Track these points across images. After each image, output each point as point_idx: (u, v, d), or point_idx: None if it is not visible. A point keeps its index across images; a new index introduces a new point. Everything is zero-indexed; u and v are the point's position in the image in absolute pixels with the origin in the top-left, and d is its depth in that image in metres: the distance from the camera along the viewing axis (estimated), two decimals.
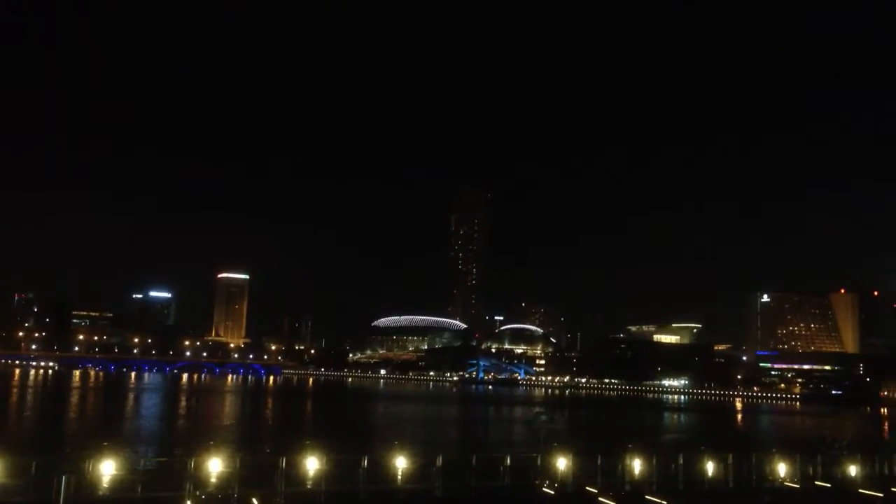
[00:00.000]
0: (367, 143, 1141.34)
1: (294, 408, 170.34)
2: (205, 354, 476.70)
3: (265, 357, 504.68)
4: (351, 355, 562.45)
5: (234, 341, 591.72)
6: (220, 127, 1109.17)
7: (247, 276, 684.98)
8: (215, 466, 41.35)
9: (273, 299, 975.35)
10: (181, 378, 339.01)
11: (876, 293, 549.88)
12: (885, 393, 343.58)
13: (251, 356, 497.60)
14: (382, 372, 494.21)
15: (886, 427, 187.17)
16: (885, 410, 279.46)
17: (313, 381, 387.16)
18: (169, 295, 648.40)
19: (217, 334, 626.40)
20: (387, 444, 59.20)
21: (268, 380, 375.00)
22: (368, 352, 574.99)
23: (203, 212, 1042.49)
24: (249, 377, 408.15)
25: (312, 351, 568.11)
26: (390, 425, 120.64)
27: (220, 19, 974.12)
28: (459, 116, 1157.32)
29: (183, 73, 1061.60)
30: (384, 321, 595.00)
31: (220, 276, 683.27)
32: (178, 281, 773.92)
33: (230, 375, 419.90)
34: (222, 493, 40.07)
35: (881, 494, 45.48)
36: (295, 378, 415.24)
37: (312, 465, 42.50)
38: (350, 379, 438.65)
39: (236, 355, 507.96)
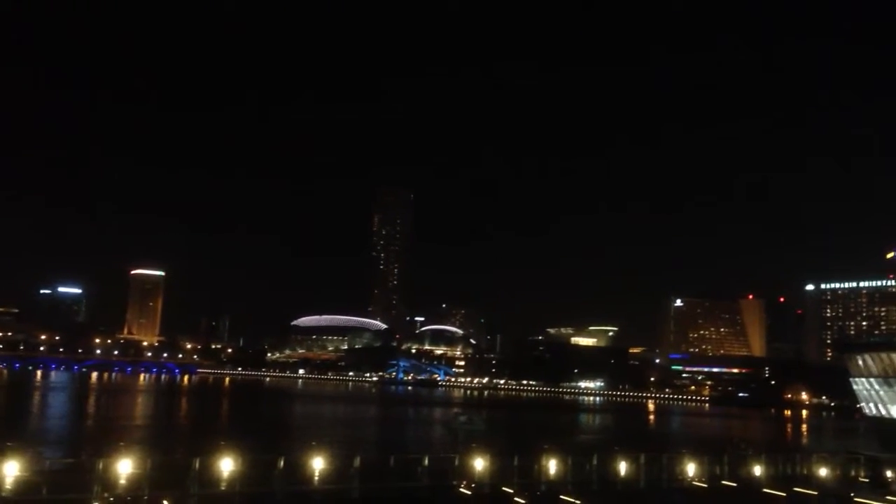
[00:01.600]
0: (288, 140, 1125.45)
1: (209, 408, 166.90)
2: (116, 353, 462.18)
3: (180, 356, 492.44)
4: (269, 355, 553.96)
5: (148, 340, 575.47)
6: (138, 126, 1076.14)
7: (162, 273, 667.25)
8: (125, 467, 40.18)
9: (190, 298, 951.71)
10: (90, 377, 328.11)
11: (782, 299, 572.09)
12: (789, 395, 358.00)
13: (165, 355, 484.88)
14: (301, 372, 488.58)
15: (789, 428, 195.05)
16: (789, 412, 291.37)
17: (230, 380, 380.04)
18: (79, 290, 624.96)
19: (130, 332, 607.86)
20: (304, 444, 58.61)
21: (182, 379, 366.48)
22: (287, 351, 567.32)
23: (121, 213, 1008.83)
24: (163, 376, 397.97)
25: (230, 350, 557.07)
26: (308, 426, 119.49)
27: (119, 13, 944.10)
28: (384, 113, 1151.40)
29: (90, 66, 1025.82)
30: (304, 321, 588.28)
31: (134, 272, 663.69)
32: (91, 277, 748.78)
33: (143, 374, 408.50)
34: (132, 494, 38.98)
35: (784, 493, 47.31)
36: (211, 377, 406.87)
37: (227, 466, 41.72)
38: (268, 379, 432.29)
39: (150, 354, 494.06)
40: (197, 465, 40.27)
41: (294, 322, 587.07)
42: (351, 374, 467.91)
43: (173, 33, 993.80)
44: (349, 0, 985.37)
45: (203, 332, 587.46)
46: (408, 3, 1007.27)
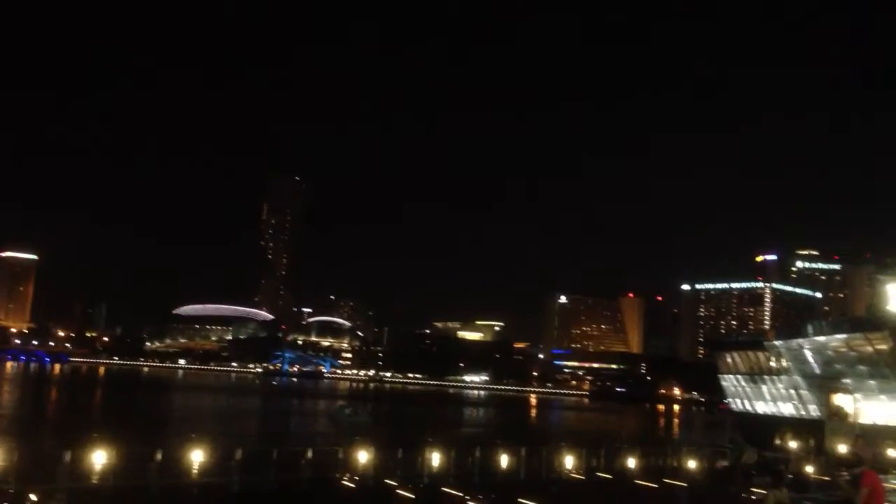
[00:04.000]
0: (174, 124, 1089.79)
1: (80, 398, 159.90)
2: None
3: (51, 344, 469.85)
4: (149, 344, 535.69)
5: (17, 326, 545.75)
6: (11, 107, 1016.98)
7: (34, 257, 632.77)
8: None
9: (66, 283, 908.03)
10: None
11: (659, 297, 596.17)
12: (663, 391, 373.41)
13: (35, 342, 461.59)
14: (182, 362, 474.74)
15: (662, 422, 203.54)
16: (662, 407, 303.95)
17: (105, 370, 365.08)
18: None
19: None
20: (182, 436, 57.05)
21: (52, 368, 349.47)
22: (168, 341, 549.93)
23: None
24: (31, 365, 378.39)
25: (106, 338, 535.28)
26: (187, 418, 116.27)
27: None
28: (276, 95, 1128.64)
29: None
30: (187, 309, 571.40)
31: (2, 254, 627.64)
32: None
33: (9, 363, 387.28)
34: None
35: (656, 485, 49.24)
36: (84, 366, 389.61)
37: (99, 458, 40.14)
38: (146, 369, 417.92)
39: (18, 341, 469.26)
40: (68, 457, 38.57)
41: (176, 311, 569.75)
42: (234, 364, 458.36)
43: (46, 10, 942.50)
44: None
45: (77, 319, 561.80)
46: None
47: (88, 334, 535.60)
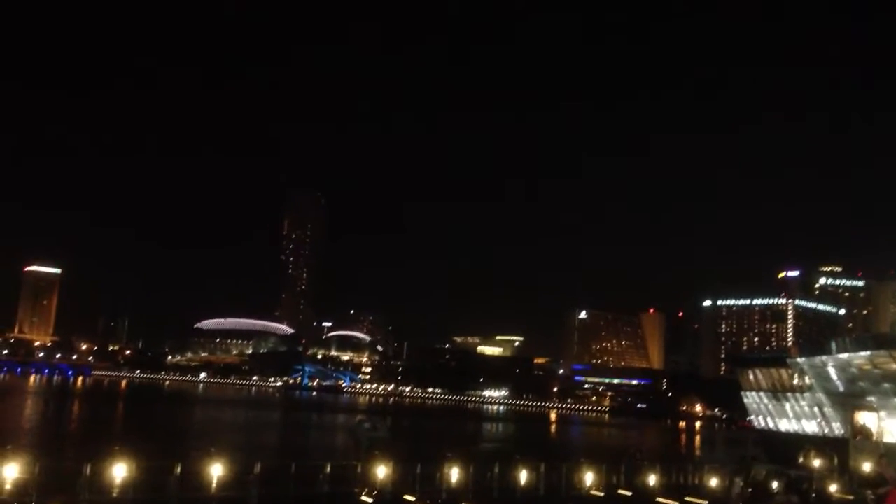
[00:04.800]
0: (197, 137, 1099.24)
1: (102, 411, 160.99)
2: (6, 352, 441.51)
3: (74, 357, 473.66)
4: (170, 357, 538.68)
5: (41, 339, 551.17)
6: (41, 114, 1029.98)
7: (58, 271, 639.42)
8: (11, 472, 38.40)
9: (89, 297, 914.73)
10: None
11: (681, 314, 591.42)
12: (684, 407, 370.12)
13: (59, 356, 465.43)
14: (203, 376, 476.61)
15: (683, 439, 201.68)
16: (683, 424, 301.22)
17: (126, 383, 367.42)
18: None
19: (21, 331, 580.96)
20: (202, 450, 57.25)
21: (75, 381, 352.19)
22: (189, 354, 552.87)
23: (12, 203, 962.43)
24: (55, 378, 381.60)
25: (128, 352, 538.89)
26: (207, 431, 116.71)
27: None
28: (278, 96, 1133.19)
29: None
30: (208, 323, 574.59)
31: (27, 268, 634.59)
32: None
33: (33, 375, 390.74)
34: (19, 500, 37.26)
35: (677, 502, 48.81)
36: (106, 380, 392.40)
37: (120, 472, 40.35)
38: (167, 382, 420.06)
39: (42, 354, 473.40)
40: (88, 470, 38.82)
41: (197, 325, 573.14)
42: (255, 378, 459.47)
43: (46, 11, 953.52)
44: None
45: (100, 333, 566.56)
46: None
47: (111, 348, 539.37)
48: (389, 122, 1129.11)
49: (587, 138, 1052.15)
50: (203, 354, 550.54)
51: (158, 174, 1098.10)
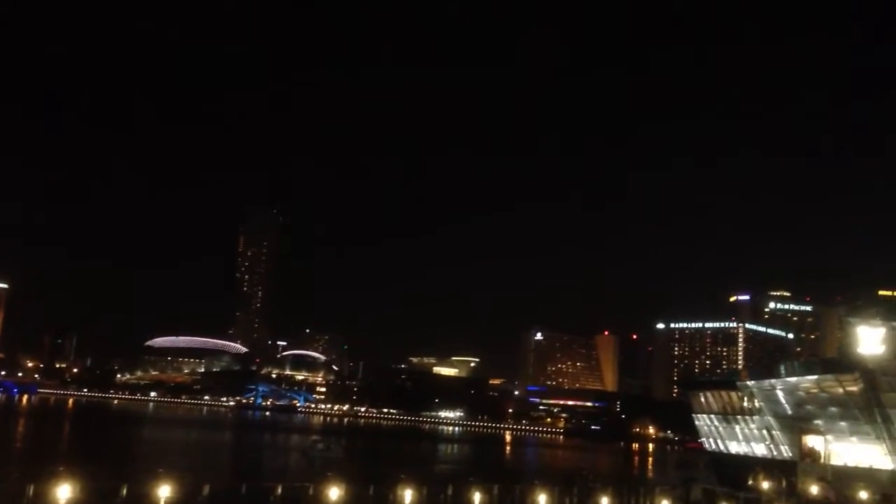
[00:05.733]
0: (149, 153, 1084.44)
1: (48, 430, 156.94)
2: None
3: (20, 374, 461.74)
4: (119, 376, 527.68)
5: None
6: None
7: (5, 286, 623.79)
8: None
9: (37, 314, 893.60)
10: None
11: (635, 336, 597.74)
12: (637, 429, 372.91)
13: (3, 373, 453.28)
14: (153, 395, 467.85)
15: (635, 461, 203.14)
16: (636, 446, 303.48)
17: (74, 402, 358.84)
18: None
19: None
20: (150, 471, 56.14)
21: (20, 399, 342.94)
22: (139, 373, 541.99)
23: None
24: None
25: (76, 370, 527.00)
26: (156, 452, 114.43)
27: None
28: (252, 129, 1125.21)
29: None
30: (159, 341, 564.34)
31: None
32: None
33: None
34: None
35: None
36: (52, 398, 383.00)
37: (64, 493, 39.40)
38: (116, 401, 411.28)
39: None
40: (31, 491, 37.85)
41: (148, 342, 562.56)
42: (206, 398, 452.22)
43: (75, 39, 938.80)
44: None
45: (47, 351, 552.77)
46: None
47: (58, 365, 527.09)
48: (352, 145, 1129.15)
49: (546, 167, 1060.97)
50: (154, 373, 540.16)
51: (112, 191, 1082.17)
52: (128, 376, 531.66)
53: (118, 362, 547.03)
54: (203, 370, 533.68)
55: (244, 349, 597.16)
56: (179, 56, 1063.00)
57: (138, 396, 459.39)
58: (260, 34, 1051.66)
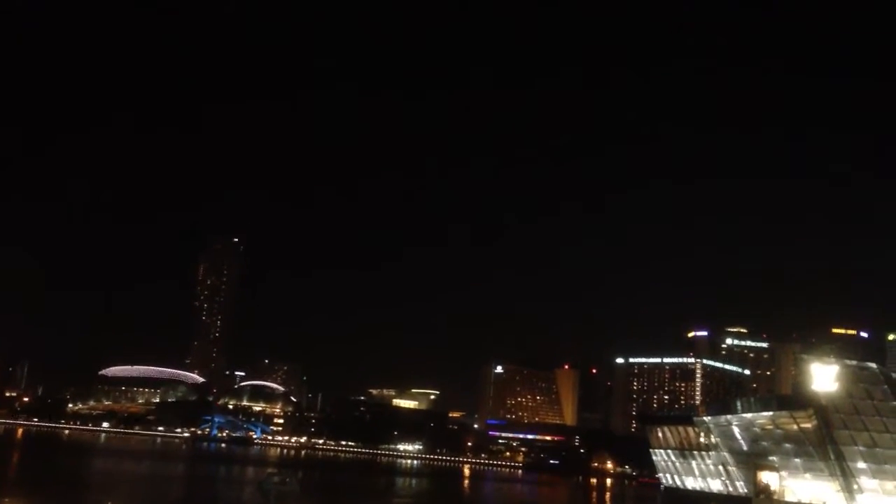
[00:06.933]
0: (109, 174, 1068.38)
1: None
2: None
3: None
4: (71, 405, 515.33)
5: None
6: None
7: None
8: None
9: None
10: None
11: (594, 370, 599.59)
12: (596, 464, 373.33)
13: None
14: (105, 425, 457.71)
15: (594, 496, 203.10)
16: (594, 480, 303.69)
17: (23, 431, 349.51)
18: None
19: None
20: (99, 503, 54.80)
21: None
22: (92, 402, 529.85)
23: None
24: None
25: (26, 398, 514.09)
26: (106, 483, 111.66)
27: None
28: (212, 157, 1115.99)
29: None
30: (114, 370, 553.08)
31: None
32: None
33: None
34: None
35: None
36: (1, 428, 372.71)
37: None
38: (67, 431, 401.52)
39: None
40: None
41: (102, 371, 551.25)
42: (161, 429, 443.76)
43: None
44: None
45: None
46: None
47: (8, 394, 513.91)
48: (307, 173, 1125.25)
49: (500, 198, 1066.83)
50: (107, 403, 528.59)
51: (71, 215, 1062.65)
52: (80, 406, 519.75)
53: (71, 391, 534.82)
54: (158, 400, 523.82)
55: (201, 379, 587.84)
56: (142, 76, 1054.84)
57: (90, 426, 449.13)
58: (210, 64, 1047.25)
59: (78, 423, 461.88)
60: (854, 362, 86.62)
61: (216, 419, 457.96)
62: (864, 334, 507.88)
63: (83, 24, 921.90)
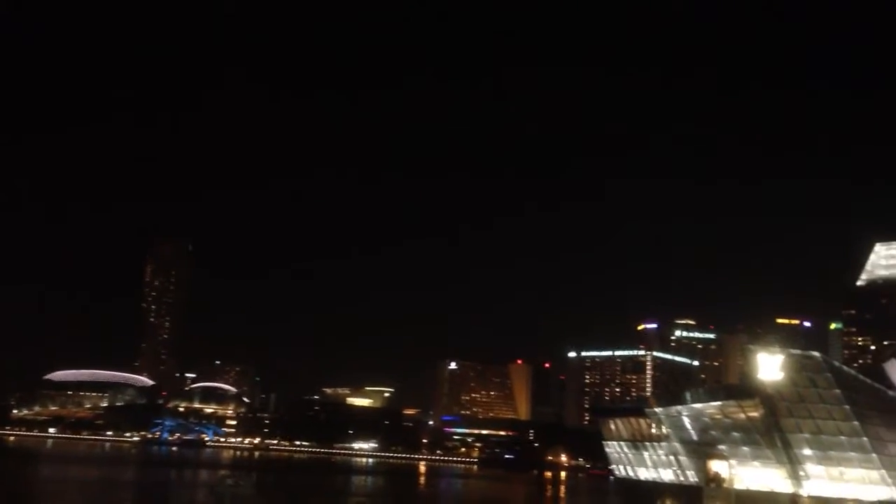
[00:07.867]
0: (57, 181, 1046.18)
1: None
2: None
3: None
4: (16, 411, 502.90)
5: None
6: None
7: None
8: None
9: None
10: None
11: (547, 365, 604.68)
12: (550, 457, 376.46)
13: None
14: (52, 431, 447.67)
15: (549, 490, 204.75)
16: (549, 474, 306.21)
17: None
18: None
19: None
20: None
21: None
22: (37, 408, 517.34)
23: None
24: None
25: None
26: (52, 492, 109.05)
27: None
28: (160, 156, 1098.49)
29: None
30: (60, 374, 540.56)
31: None
32: None
33: None
34: None
35: None
36: None
37: None
38: (11, 438, 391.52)
39: None
40: None
41: (48, 376, 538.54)
42: (109, 433, 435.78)
43: None
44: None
45: None
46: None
47: None
48: (260, 169, 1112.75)
49: (455, 201, 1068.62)
50: (53, 408, 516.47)
51: (14, 218, 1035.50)
52: (25, 412, 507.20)
53: (15, 397, 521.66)
54: (106, 404, 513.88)
55: (150, 382, 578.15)
56: (96, 78, 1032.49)
57: (36, 433, 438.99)
58: (163, 64, 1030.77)
59: (23, 429, 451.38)
60: (798, 351, 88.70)
61: (167, 422, 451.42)
62: (807, 324, 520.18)
63: (25, 22, 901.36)
